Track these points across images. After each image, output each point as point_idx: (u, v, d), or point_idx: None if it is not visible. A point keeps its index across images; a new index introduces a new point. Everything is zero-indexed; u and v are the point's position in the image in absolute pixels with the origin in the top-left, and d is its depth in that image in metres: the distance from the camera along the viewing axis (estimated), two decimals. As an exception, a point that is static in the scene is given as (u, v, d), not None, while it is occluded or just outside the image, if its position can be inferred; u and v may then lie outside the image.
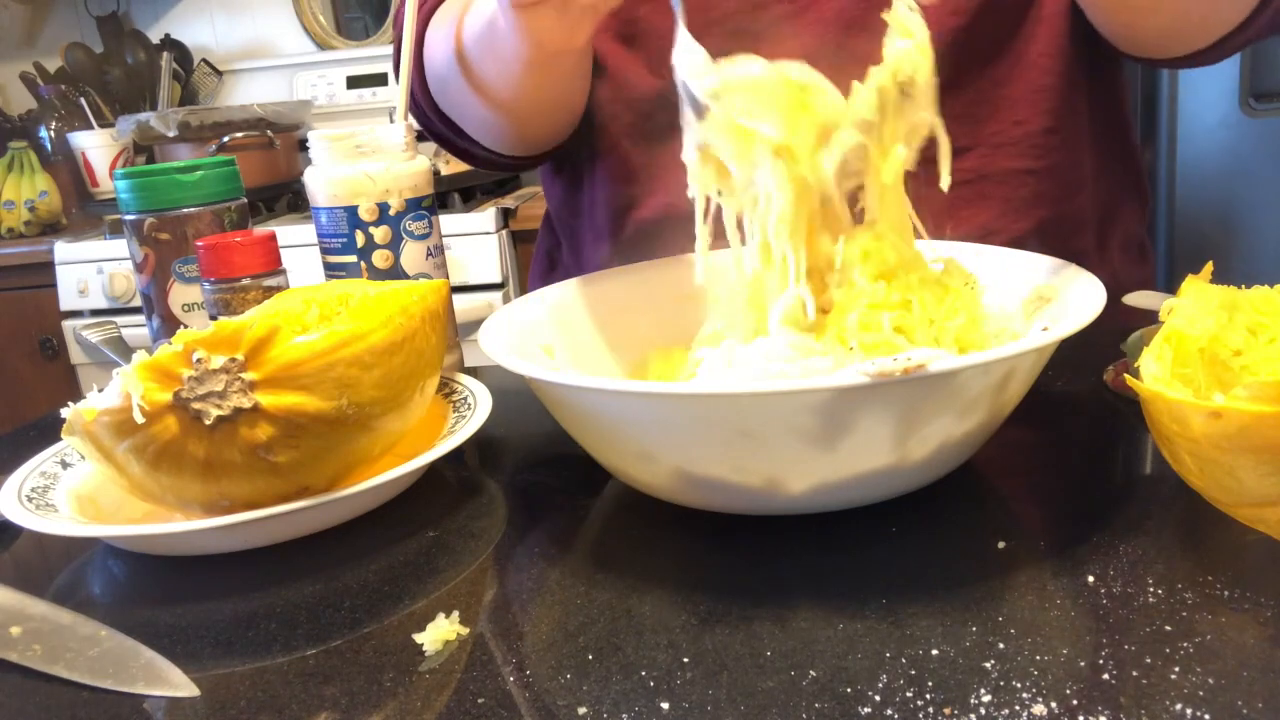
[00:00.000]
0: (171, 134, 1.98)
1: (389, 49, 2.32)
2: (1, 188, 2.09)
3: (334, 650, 0.42)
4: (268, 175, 2.07)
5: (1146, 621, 0.38)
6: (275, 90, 2.40)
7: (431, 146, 1.64)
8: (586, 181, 0.88)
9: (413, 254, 0.69)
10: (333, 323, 0.51)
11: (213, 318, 0.64)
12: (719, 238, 0.57)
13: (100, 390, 0.48)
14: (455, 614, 0.43)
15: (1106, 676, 0.35)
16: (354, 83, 2.34)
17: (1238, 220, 1.72)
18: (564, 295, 0.64)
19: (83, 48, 2.37)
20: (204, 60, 2.43)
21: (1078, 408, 0.61)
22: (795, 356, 0.48)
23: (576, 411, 0.49)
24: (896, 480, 0.47)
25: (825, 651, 0.38)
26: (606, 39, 0.84)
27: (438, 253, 0.71)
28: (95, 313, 1.90)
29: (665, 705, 0.36)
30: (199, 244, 0.63)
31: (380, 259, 0.68)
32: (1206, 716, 0.33)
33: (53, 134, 2.29)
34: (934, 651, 0.38)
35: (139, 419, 0.46)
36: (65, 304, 1.91)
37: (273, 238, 0.64)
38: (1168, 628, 0.38)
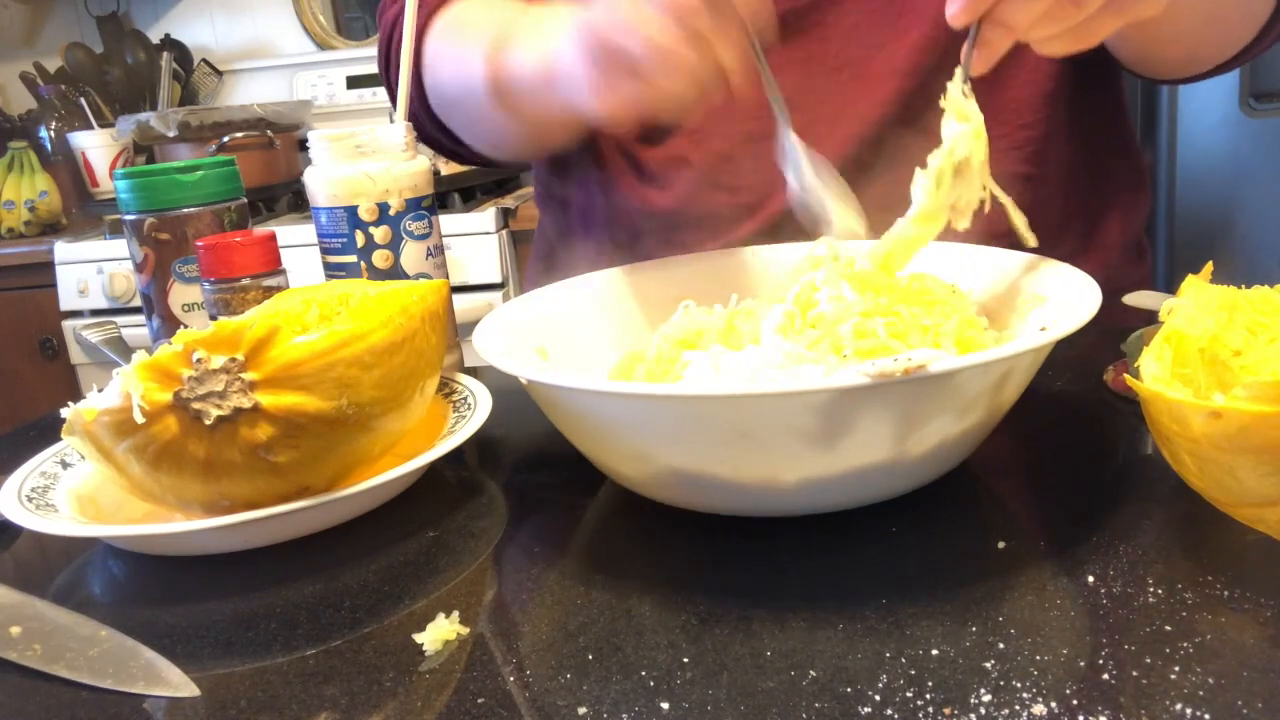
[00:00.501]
0: (171, 134, 1.98)
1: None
2: (1, 188, 2.09)
3: (334, 650, 0.42)
4: (268, 175, 2.07)
5: (1146, 621, 0.38)
6: (275, 90, 2.40)
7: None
8: (587, 180, 0.88)
9: (413, 254, 0.69)
10: (333, 323, 0.51)
11: (213, 318, 0.64)
12: (716, 241, 0.57)
13: (100, 390, 0.48)
14: (455, 614, 0.43)
15: (1106, 676, 0.35)
16: (354, 83, 2.34)
17: (1238, 220, 1.72)
18: (558, 296, 0.64)
19: (83, 48, 2.37)
20: (204, 60, 2.43)
21: (1078, 408, 0.61)
22: (786, 364, 0.48)
23: (570, 413, 0.49)
24: (894, 481, 0.47)
25: (825, 651, 0.38)
26: None
27: (438, 253, 0.71)
28: (95, 313, 1.90)
29: (665, 705, 0.36)
30: (199, 244, 0.63)
31: (380, 259, 0.68)
32: (1206, 716, 0.33)
33: (53, 134, 2.29)
34: (934, 651, 0.38)
35: (139, 419, 0.46)
36: (65, 304, 1.91)
37: (273, 238, 0.64)
38: (1168, 628, 0.38)
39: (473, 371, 0.71)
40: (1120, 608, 0.39)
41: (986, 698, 0.35)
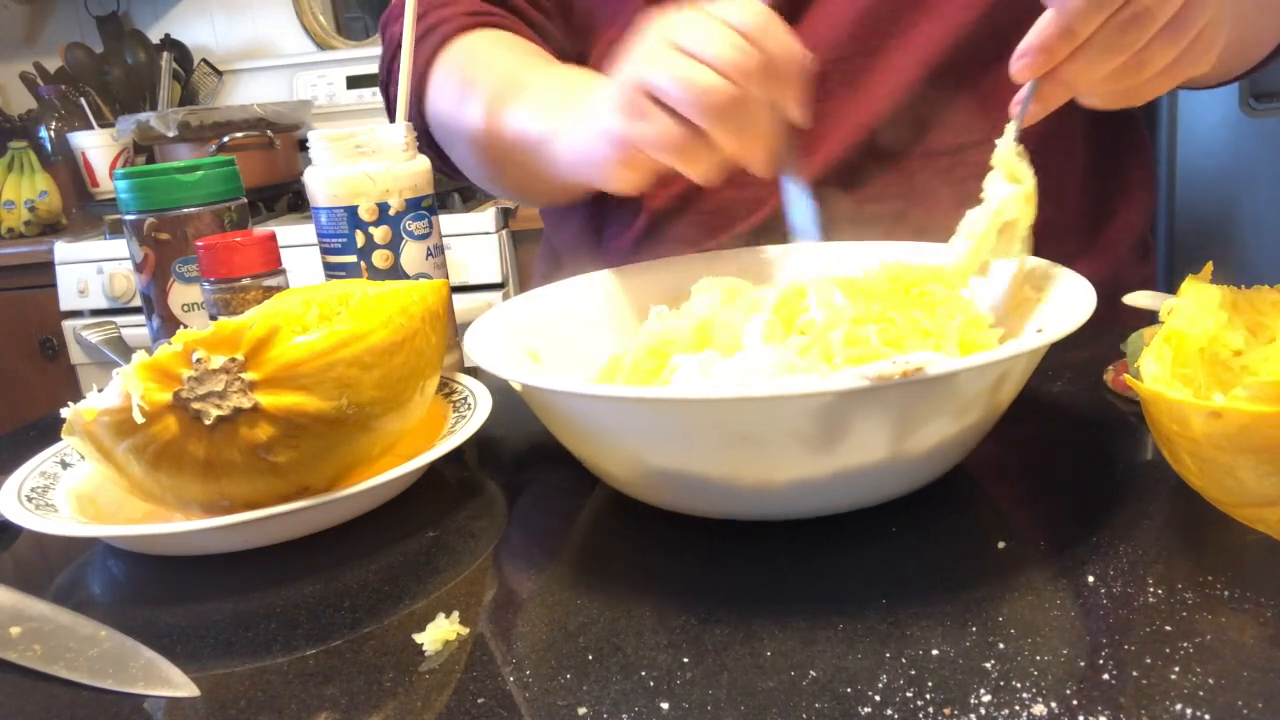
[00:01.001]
0: (171, 134, 1.98)
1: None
2: (1, 188, 2.09)
3: (334, 650, 0.42)
4: (268, 175, 2.07)
5: (1146, 621, 0.38)
6: (275, 90, 2.40)
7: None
8: None
9: (413, 254, 0.69)
10: (333, 323, 0.51)
11: (213, 318, 0.64)
12: (717, 236, 0.57)
13: (100, 390, 0.48)
14: (455, 614, 0.43)
15: (1106, 676, 0.35)
16: (354, 83, 2.34)
17: (1238, 220, 1.72)
18: (554, 296, 0.64)
19: (83, 48, 2.37)
20: (204, 60, 2.43)
21: (1078, 408, 0.61)
22: (775, 372, 0.48)
23: (563, 416, 0.49)
24: (891, 483, 0.47)
25: (825, 651, 0.38)
26: (612, 34, 0.84)
27: (438, 253, 0.71)
28: (95, 313, 1.90)
29: (665, 705, 0.36)
30: (199, 244, 0.63)
31: (380, 259, 0.68)
32: (1206, 716, 0.33)
33: (53, 134, 2.29)
34: (934, 651, 0.38)
35: (139, 419, 0.46)
36: (65, 304, 1.91)
37: (273, 238, 0.64)
38: (1168, 628, 0.38)
39: (473, 371, 0.71)
40: (1120, 608, 0.39)
41: (986, 698, 0.35)
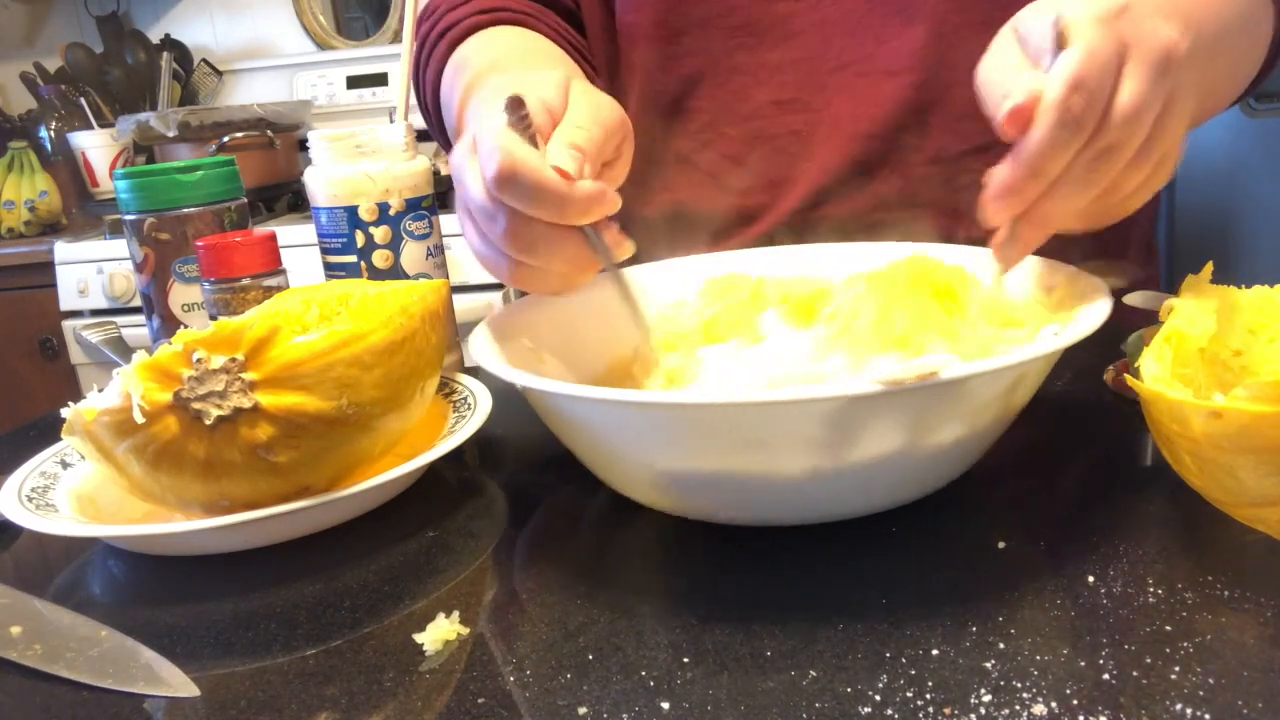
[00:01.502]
0: (171, 134, 1.98)
1: (389, 49, 2.32)
2: (1, 188, 2.09)
3: (334, 650, 0.42)
4: (268, 175, 2.07)
5: (1146, 621, 0.38)
6: (275, 90, 2.40)
7: (431, 146, 1.65)
8: None
9: (413, 254, 0.69)
10: (333, 323, 0.51)
11: (213, 318, 0.64)
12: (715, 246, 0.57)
13: (100, 390, 0.48)
14: (455, 614, 0.43)
15: (1106, 676, 0.35)
16: (354, 83, 2.34)
17: (1238, 220, 1.72)
18: (555, 300, 0.64)
19: (83, 48, 2.37)
20: (204, 60, 2.43)
21: (1078, 408, 0.61)
22: (811, 357, 0.48)
23: (572, 422, 0.49)
24: (903, 488, 0.47)
25: (825, 651, 0.38)
26: (606, 40, 0.84)
27: (438, 253, 0.71)
28: (95, 313, 1.90)
29: (665, 705, 0.36)
30: (199, 244, 0.63)
31: (380, 259, 0.68)
32: (1206, 716, 0.33)
33: (53, 134, 2.29)
34: (934, 651, 0.38)
35: (139, 419, 0.46)
36: (65, 304, 1.91)
37: (273, 238, 0.64)
38: (1168, 628, 0.38)
39: (473, 371, 0.71)
40: (1120, 608, 0.39)
41: (986, 698, 0.35)
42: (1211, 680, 0.35)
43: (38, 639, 0.43)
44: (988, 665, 0.36)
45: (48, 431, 0.60)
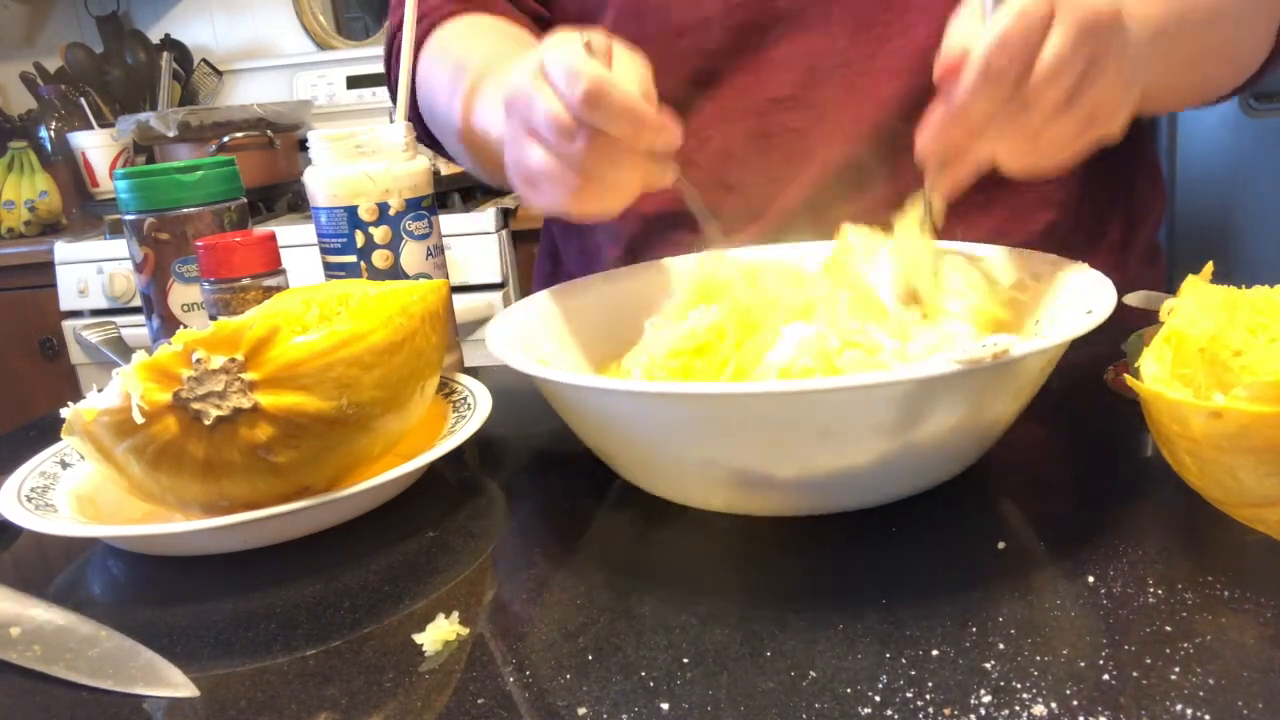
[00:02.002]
0: (171, 134, 1.98)
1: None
2: (1, 188, 2.09)
3: (334, 650, 0.42)
4: (268, 175, 2.07)
5: (1146, 622, 0.38)
6: (275, 90, 2.40)
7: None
8: None
9: (413, 254, 0.69)
10: (333, 323, 0.51)
11: (212, 318, 0.64)
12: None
13: (100, 390, 0.48)
14: (455, 614, 0.43)
15: (1106, 676, 0.35)
16: (354, 83, 2.34)
17: (1238, 220, 1.72)
18: (562, 298, 0.64)
19: (83, 48, 2.37)
20: (204, 60, 2.43)
21: (1078, 408, 0.61)
22: (919, 334, 0.52)
23: (612, 419, 0.48)
24: (947, 465, 0.49)
25: (825, 651, 0.38)
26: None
27: (438, 253, 0.71)
28: (95, 313, 1.90)
29: (665, 705, 0.36)
30: (199, 244, 0.63)
31: (380, 259, 0.68)
32: (1206, 716, 0.33)
33: (53, 134, 2.29)
34: (934, 651, 0.38)
35: (139, 419, 0.46)
36: (65, 304, 1.91)
37: (273, 238, 0.64)
38: (1168, 628, 0.38)
39: (473, 371, 0.71)
40: (1120, 608, 0.39)
41: (986, 698, 0.35)
42: (1211, 680, 0.35)
43: (37, 639, 0.43)
44: (988, 665, 0.36)
45: (47, 431, 0.60)
